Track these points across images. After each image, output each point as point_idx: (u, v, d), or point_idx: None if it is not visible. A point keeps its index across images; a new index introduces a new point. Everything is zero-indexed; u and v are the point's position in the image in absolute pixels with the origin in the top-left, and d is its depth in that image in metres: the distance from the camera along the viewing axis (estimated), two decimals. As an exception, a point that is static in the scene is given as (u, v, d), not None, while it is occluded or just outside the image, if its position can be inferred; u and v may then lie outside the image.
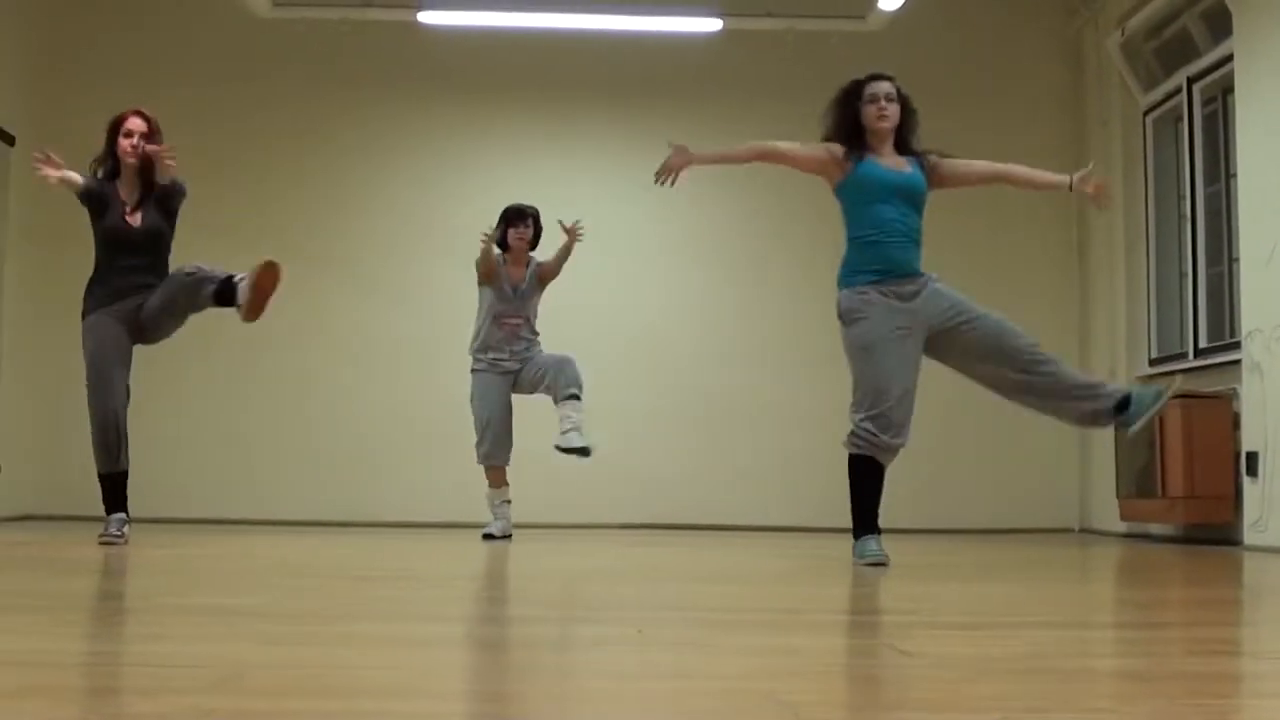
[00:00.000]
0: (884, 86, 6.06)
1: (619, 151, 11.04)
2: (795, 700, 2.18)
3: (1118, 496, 9.31)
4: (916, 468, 10.64)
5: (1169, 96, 9.53)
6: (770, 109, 10.92)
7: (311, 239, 10.84)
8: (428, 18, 10.38)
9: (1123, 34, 9.77)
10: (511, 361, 8.39)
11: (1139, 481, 8.93)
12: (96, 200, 6.91)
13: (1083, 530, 10.51)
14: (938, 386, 10.62)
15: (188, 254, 10.49)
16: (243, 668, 2.46)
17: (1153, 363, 9.68)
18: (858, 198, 6.01)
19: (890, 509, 10.22)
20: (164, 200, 6.93)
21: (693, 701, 2.25)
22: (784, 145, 6.30)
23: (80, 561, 5.50)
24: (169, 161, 6.68)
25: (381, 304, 10.78)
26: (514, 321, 8.49)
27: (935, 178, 6.19)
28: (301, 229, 10.85)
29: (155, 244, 6.89)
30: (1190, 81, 9.17)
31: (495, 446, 8.25)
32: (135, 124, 6.91)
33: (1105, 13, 10.23)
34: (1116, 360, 10.00)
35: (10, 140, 9.88)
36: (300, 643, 2.96)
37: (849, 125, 6.04)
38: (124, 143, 6.87)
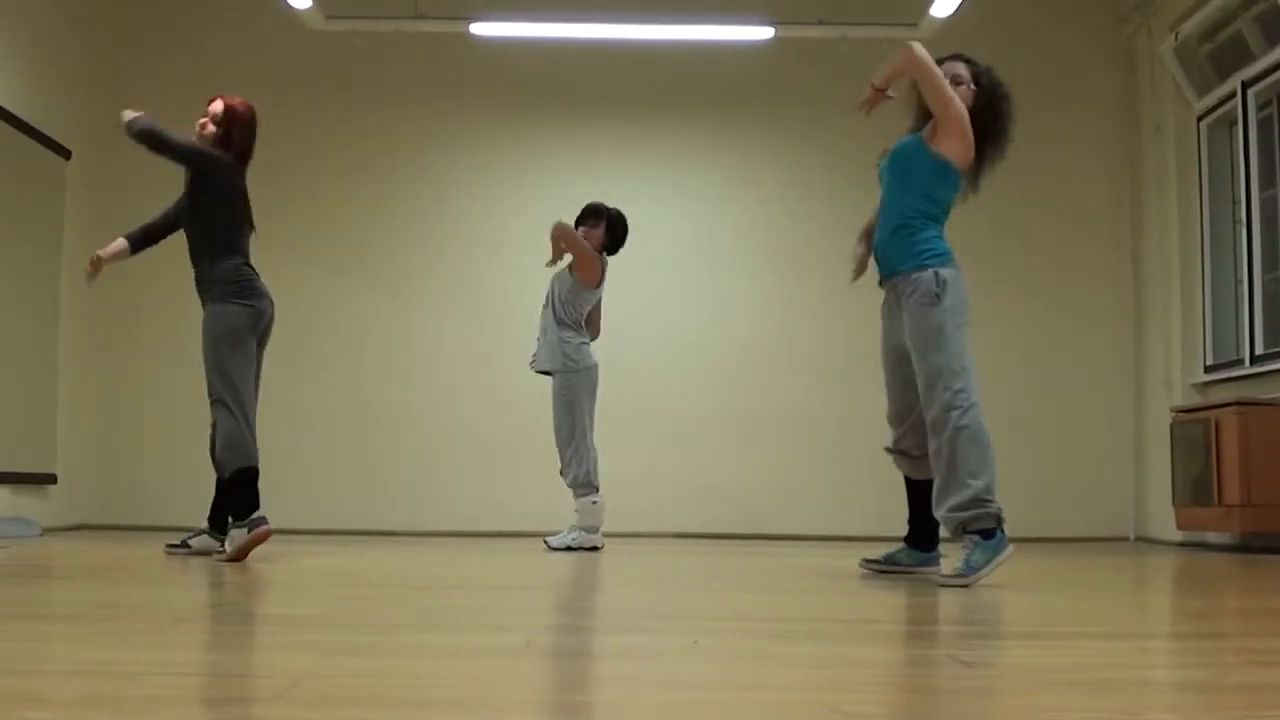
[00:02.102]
0: (955, 67, 5.77)
1: (671, 161, 11.07)
2: (856, 712, 2.17)
3: (1174, 505, 9.24)
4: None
5: (1223, 101, 9.47)
6: (822, 117, 10.94)
7: (364, 250, 10.91)
8: (479, 29, 10.41)
9: (1176, 39, 9.71)
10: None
11: (1195, 490, 8.86)
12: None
13: (1138, 539, 10.43)
14: (989, 394, 10.61)
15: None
16: (302, 678, 2.48)
17: (1208, 370, 9.61)
18: None
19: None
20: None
21: (753, 713, 2.25)
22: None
23: (139, 572, 5.54)
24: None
25: (435, 314, 10.84)
26: (545, 302, 8.34)
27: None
28: (354, 240, 10.92)
29: (190, 214, 6.86)
30: (1245, 86, 9.11)
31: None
32: (213, 106, 7.04)
33: (1158, 17, 10.17)
34: (1172, 367, 9.93)
35: (66, 154, 9.97)
36: (360, 653, 2.98)
37: (920, 106, 5.80)
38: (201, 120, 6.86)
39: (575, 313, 8.19)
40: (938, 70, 5.54)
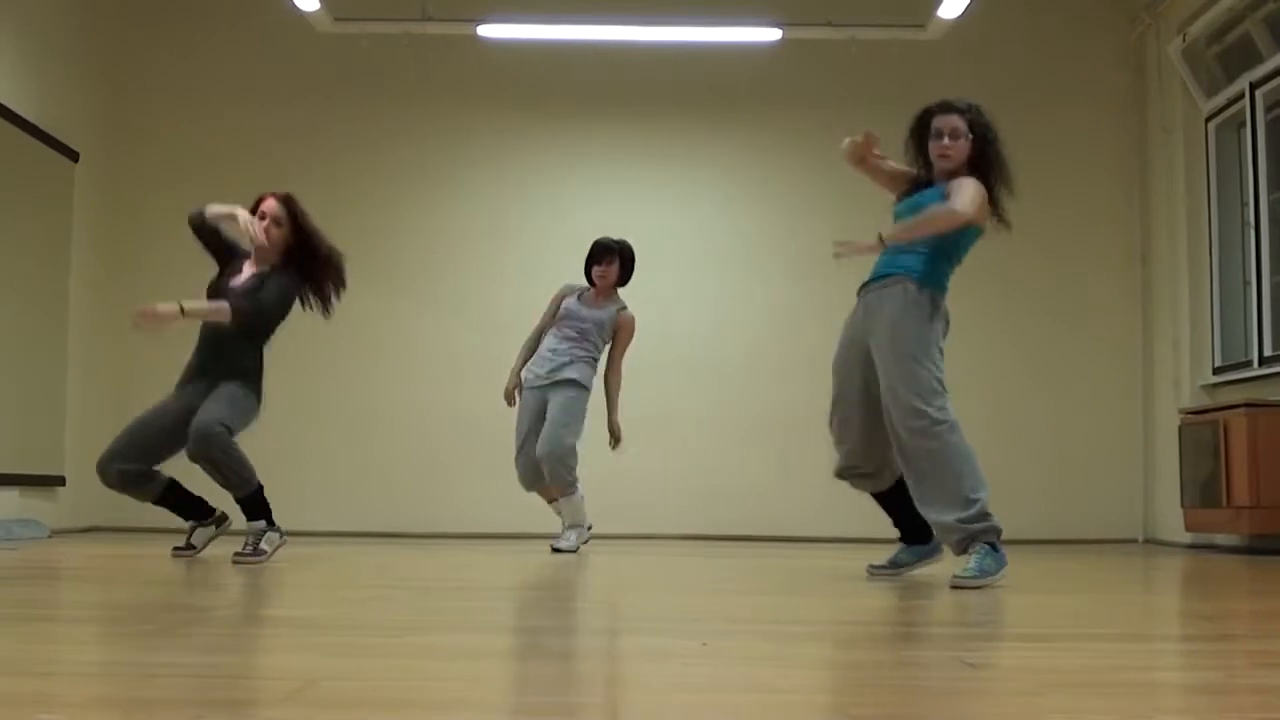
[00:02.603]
0: (950, 121, 5.51)
1: (680, 162, 11.07)
2: (864, 714, 2.17)
3: (1182, 506, 9.23)
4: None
5: (1231, 102, 9.46)
6: (831, 118, 10.89)
7: (372, 252, 10.90)
8: (488, 31, 10.42)
9: (1184, 40, 9.70)
10: (544, 378, 8.14)
11: (1204, 491, 8.85)
12: (228, 256, 6.62)
13: (1147, 541, 10.42)
14: (997, 397, 10.61)
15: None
16: (312, 680, 2.48)
17: (1216, 371, 9.60)
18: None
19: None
20: (266, 278, 6.53)
21: (762, 715, 2.25)
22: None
23: (147, 574, 5.54)
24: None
25: (443, 315, 10.85)
26: (569, 329, 8.19)
27: None
28: (363, 242, 10.89)
29: (243, 295, 6.42)
30: (1253, 87, 9.10)
31: (523, 476, 8.09)
32: (269, 205, 6.55)
33: (1166, 18, 10.16)
34: (1180, 369, 9.92)
35: (75, 157, 9.99)
36: (370, 655, 2.98)
37: (919, 155, 5.61)
38: (257, 225, 6.48)
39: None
40: (959, 211, 5.30)
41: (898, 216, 5.62)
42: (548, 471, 7.88)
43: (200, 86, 10.99)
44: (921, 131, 5.56)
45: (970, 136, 5.46)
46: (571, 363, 8.09)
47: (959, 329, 10.20)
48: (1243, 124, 9.37)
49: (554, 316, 8.25)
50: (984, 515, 5.18)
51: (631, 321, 8.18)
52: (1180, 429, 9.32)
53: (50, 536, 8.88)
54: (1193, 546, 9.41)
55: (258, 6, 10.78)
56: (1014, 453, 10.56)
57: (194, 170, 10.91)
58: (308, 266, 6.63)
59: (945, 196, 5.36)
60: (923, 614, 4.23)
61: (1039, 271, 10.80)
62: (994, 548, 5.14)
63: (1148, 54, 10.62)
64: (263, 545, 6.20)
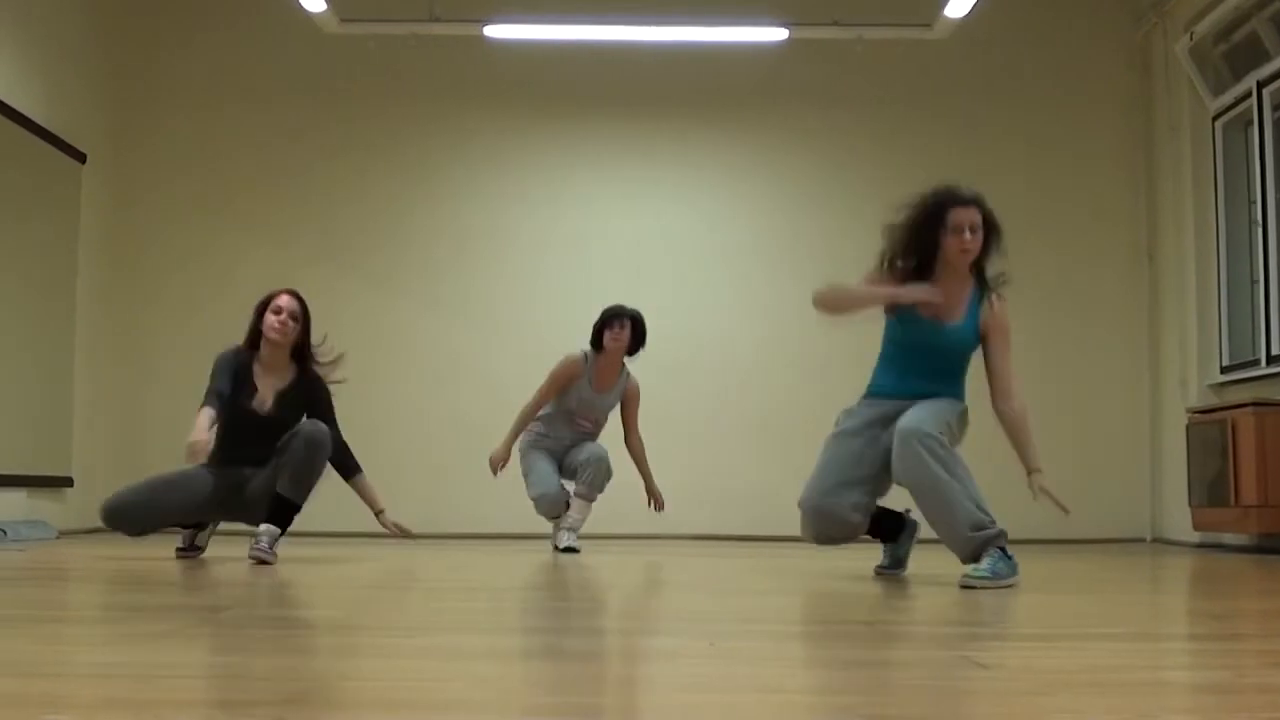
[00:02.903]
0: (971, 215, 5.44)
1: (686, 162, 11.07)
2: (874, 714, 2.17)
3: (1190, 506, 9.22)
4: (987, 478, 10.60)
5: (1238, 101, 9.44)
6: (837, 118, 10.95)
7: (376, 253, 10.94)
8: (494, 31, 10.42)
9: (1191, 38, 9.69)
10: (564, 445, 8.17)
11: (1211, 490, 8.84)
12: (227, 373, 6.42)
13: (1155, 540, 10.42)
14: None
15: (253, 266, 10.64)
16: (320, 680, 2.48)
17: (1224, 370, 9.58)
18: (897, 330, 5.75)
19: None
20: (307, 393, 6.59)
21: (771, 715, 2.25)
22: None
23: (154, 574, 5.55)
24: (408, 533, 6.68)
25: (447, 317, 10.85)
26: (585, 423, 8.18)
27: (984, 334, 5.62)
28: (367, 242, 10.95)
29: (278, 431, 6.35)
30: (1260, 85, 9.09)
31: (552, 507, 8.07)
32: (285, 301, 6.53)
33: (1173, 17, 10.14)
34: (1188, 368, 9.90)
35: (82, 158, 10.00)
36: (377, 655, 2.98)
37: (924, 249, 5.51)
38: (272, 319, 6.46)
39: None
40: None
41: (910, 335, 5.67)
42: (594, 475, 7.90)
43: (207, 88, 11.00)
44: (933, 221, 5.47)
45: (984, 229, 5.49)
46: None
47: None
48: (1250, 123, 9.35)
49: (559, 393, 8.12)
50: (993, 522, 5.25)
51: (637, 388, 8.17)
52: (1188, 428, 9.31)
53: (58, 537, 8.89)
54: (1200, 546, 9.40)
55: (265, 8, 10.79)
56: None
57: (201, 171, 10.94)
58: (310, 358, 6.68)
59: (981, 335, 5.58)
60: (931, 614, 4.22)
61: (1046, 270, 10.78)
62: (1005, 553, 5.17)
63: (1154, 52, 10.62)
64: (275, 548, 6.18)
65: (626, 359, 8.16)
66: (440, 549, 8.27)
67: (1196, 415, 9.27)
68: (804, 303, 10.66)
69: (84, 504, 9.81)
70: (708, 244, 10.96)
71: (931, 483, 5.28)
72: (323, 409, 6.54)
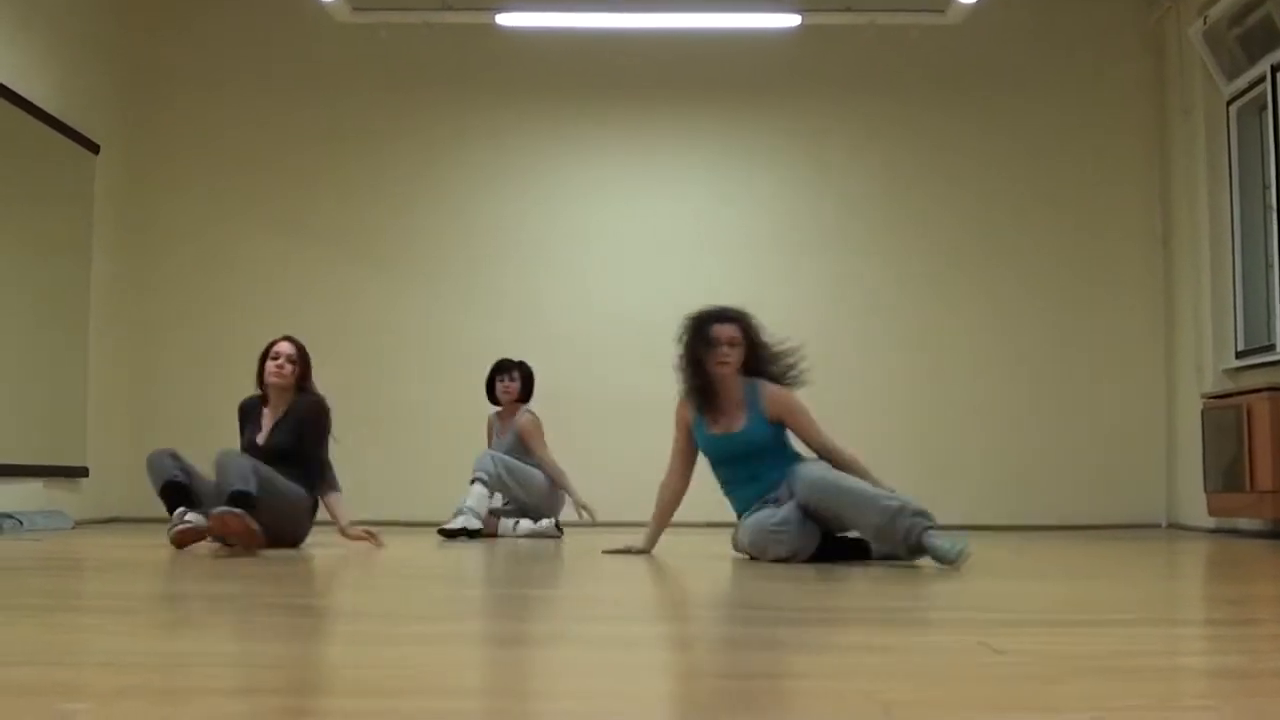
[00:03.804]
0: (728, 331, 6.06)
1: (699, 150, 11.06)
2: (891, 699, 2.17)
3: (1205, 491, 9.21)
4: (1002, 465, 10.62)
5: (1253, 85, 9.41)
6: (850, 104, 10.93)
7: (387, 241, 10.95)
8: (506, 20, 10.41)
9: (1205, 22, 9.66)
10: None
11: (1227, 475, 8.83)
12: (243, 418, 7.12)
13: (1170, 526, 10.40)
14: (1019, 384, 10.60)
15: (266, 255, 10.66)
16: (335, 668, 2.49)
17: (1239, 355, 9.56)
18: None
19: (977, 506, 10.25)
20: (302, 420, 7.00)
21: (790, 700, 2.25)
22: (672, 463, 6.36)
23: (170, 564, 5.56)
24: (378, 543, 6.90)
25: (455, 307, 10.85)
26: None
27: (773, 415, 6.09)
28: (377, 232, 10.95)
29: (280, 458, 6.80)
30: (1274, 69, 9.04)
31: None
32: (283, 348, 7.07)
33: (1187, 1, 10.11)
34: (1202, 353, 9.88)
35: (95, 148, 10.01)
36: (387, 643, 2.99)
37: (699, 369, 6.08)
38: (271, 365, 7.02)
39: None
40: (842, 452, 6.02)
41: (716, 450, 6.18)
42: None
43: (220, 78, 11.00)
44: (697, 341, 6.05)
45: (744, 343, 6.06)
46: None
47: (980, 318, 10.28)
48: (1264, 107, 9.31)
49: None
50: (908, 505, 5.43)
51: (528, 420, 8.70)
52: (1203, 413, 9.30)
53: (74, 527, 8.91)
54: (1216, 531, 9.39)
55: (277, -3, 10.83)
56: (1037, 439, 10.57)
57: (214, 161, 10.95)
58: (308, 389, 7.16)
59: (774, 422, 6.03)
60: (947, 600, 4.22)
61: (1060, 256, 10.78)
62: (936, 528, 5.37)
63: (1168, 37, 10.58)
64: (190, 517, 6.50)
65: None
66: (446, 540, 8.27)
67: (1211, 400, 9.25)
68: (818, 288, 10.74)
69: (99, 494, 9.84)
70: (720, 231, 10.94)
71: (835, 487, 5.62)
72: (309, 428, 6.99)
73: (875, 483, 5.74)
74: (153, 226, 10.88)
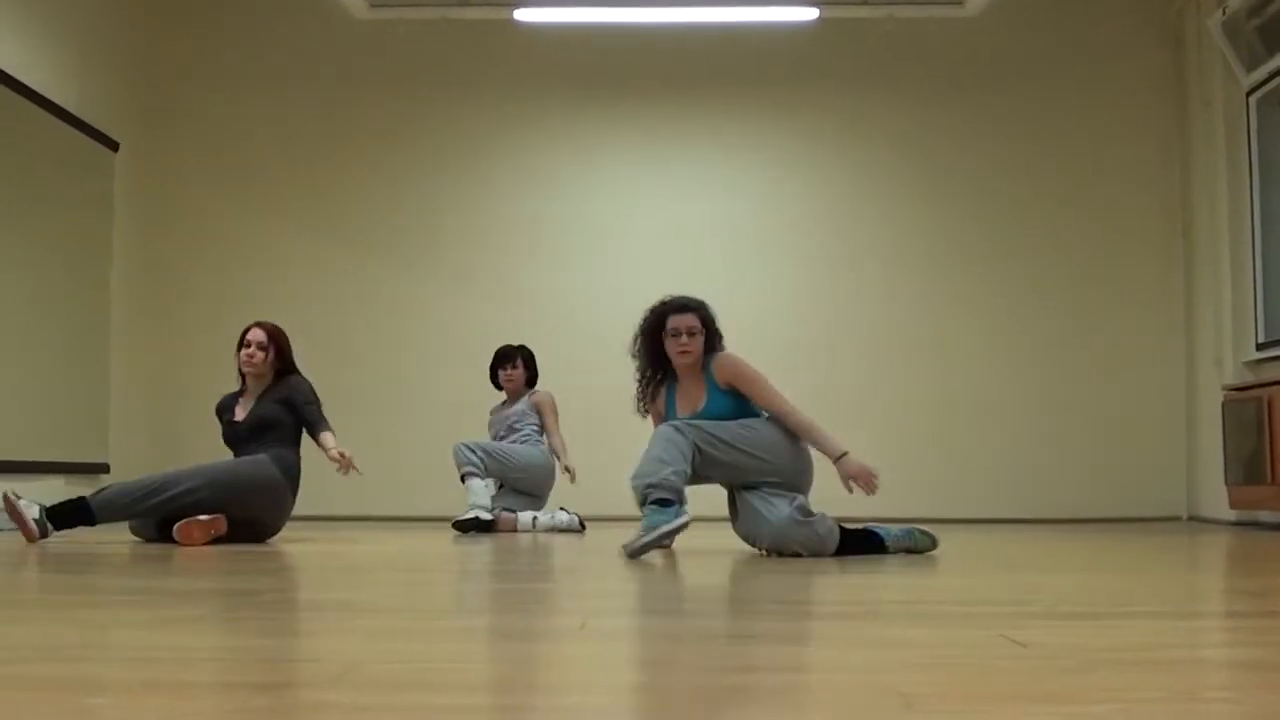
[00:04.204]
0: (688, 320, 6.18)
1: (717, 144, 11.05)
2: (914, 692, 2.17)
3: (1226, 483, 9.19)
4: (1023, 459, 10.60)
5: (1272, 76, 9.37)
6: (868, 97, 10.91)
7: (402, 236, 10.97)
8: (524, 15, 10.42)
9: (1224, 13, 9.62)
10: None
11: (1248, 468, 8.81)
12: (220, 413, 7.28)
13: (1191, 518, 10.38)
14: (1040, 376, 10.58)
15: (285, 250, 10.68)
16: (355, 662, 2.49)
17: (1260, 347, 9.52)
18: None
19: (997, 500, 10.24)
20: (282, 390, 7.12)
21: (811, 694, 2.25)
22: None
23: (194, 558, 5.58)
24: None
25: (474, 301, 10.85)
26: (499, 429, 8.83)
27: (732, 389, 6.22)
28: (393, 227, 10.97)
29: (258, 431, 6.99)
30: (1294, 60, 9.02)
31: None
32: (252, 334, 7.16)
33: (1206, -8, 10.09)
34: (1223, 345, 9.85)
35: (114, 146, 10.04)
36: (413, 638, 2.99)
37: (658, 358, 6.26)
38: (242, 354, 7.14)
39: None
40: (796, 414, 6.34)
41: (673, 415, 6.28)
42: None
43: (238, 75, 11.03)
44: (655, 331, 6.22)
45: (704, 332, 6.20)
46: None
47: (999, 311, 10.28)
48: (1284, 98, 9.29)
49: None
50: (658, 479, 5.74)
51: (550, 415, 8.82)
52: (1223, 405, 9.28)
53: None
54: (1237, 524, 9.37)
55: (295, -6, 10.85)
56: (1058, 431, 10.55)
57: (232, 158, 10.98)
58: (291, 370, 7.32)
59: (729, 391, 6.17)
60: (967, 593, 4.22)
61: (1081, 247, 10.76)
62: (664, 504, 5.68)
63: (1188, 28, 10.55)
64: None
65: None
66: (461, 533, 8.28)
67: (1232, 392, 9.23)
68: (833, 283, 10.72)
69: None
70: (739, 226, 10.94)
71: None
72: (300, 401, 7.06)
73: (822, 443, 6.23)
74: (172, 223, 10.91)
